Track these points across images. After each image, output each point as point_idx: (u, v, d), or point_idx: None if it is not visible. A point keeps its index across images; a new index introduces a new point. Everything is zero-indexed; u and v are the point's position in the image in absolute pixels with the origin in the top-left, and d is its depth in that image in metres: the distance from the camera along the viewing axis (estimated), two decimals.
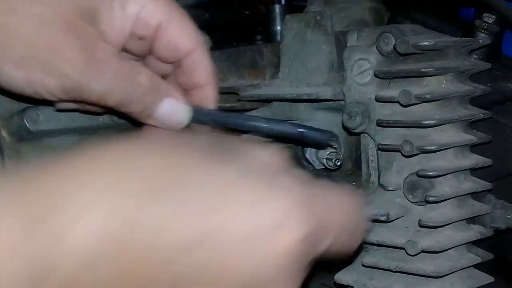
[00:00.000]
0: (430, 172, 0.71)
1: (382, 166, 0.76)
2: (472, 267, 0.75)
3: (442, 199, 0.72)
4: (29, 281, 0.40)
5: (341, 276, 0.78)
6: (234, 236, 0.43)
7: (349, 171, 0.85)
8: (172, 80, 0.74)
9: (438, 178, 0.72)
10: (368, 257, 0.76)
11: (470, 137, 0.75)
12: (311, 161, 0.85)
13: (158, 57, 0.72)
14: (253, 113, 0.87)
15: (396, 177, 0.75)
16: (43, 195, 0.42)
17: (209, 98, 0.73)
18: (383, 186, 0.76)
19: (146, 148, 0.47)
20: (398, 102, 0.72)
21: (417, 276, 0.72)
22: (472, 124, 0.77)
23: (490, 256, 0.77)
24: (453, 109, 0.74)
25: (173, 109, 0.68)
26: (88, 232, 0.41)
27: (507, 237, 0.86)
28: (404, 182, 0.74)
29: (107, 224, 0.42)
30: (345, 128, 0.79)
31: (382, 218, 0.73)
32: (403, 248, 0.71)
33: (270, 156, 0.49)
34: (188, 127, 0.70)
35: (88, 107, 0.71)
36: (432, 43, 0.72)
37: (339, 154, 0.82)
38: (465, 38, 0.78)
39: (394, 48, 0.73)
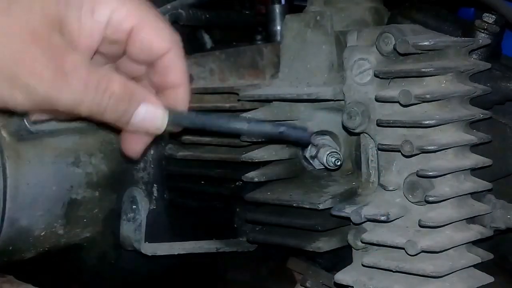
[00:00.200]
0: (430, 172, 0.71)
1: (382, 166, 0.76)
2: (472, 267, 0.75)
3: (442, 199, 0.72)
4: None
5: (341, 276, 0.78)
6: None
7: (349, 171, 0.85)
8: (146, 80, 0.74)
9: (438, 178, 0.72)
10: (368, 257, 0.76)
11: (470, 137, 0.75)
12: (311, 161, 0.85)
13: (132, 59, 0.71)
14: (253, 113, 0.87)
15: (396, 177, 0.75)
16: None
17: (181, 98, 0.73)
18: (383, 186, 0.76)
19: None
20: (398, 102, 0.72)
21: (417, 276, 0.72)
22: (472, 124, 0.77)
23: (490, 256, 0.77)
24: (453, 109, 0.74)
25: (150, 114, 0.67)
26: None
27: (507, 237, 0.86)
28: (404, 182, 0.74)
29: None
30: (345, 128, 0.79)
31: (382, 218, 0.73)
32: (403, 248, 0.71)
33: None
34: (168, 130, 0.70)
35: (63, 116, 0.70)
36: (432, 43, 0.72)
37: (339, 154, 0.82)
38: (465, 38, 0.78)
39: (394, 48, 0.73)
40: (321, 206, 0.79)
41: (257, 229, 0.92)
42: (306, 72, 0.85)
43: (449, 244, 0.72)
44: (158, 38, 0.69)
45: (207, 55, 1.00)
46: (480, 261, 0.75)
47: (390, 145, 0.74)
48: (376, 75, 0.75)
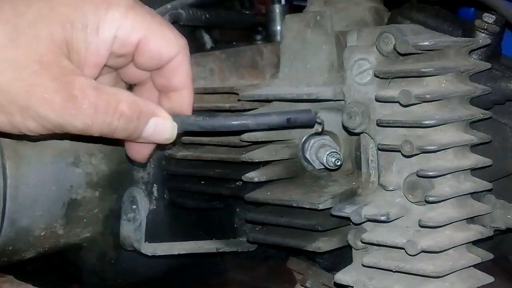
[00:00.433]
0: (430, 172, 0.71)
1: (382, 166, 0.76)
2: (472, 267, 0.75)
3: (442, 199, 0.72)
4: None
5: (341, 276, 0.78)
6: None
7: (349, 171, 0.85)
8: (147, 84, 0.75)
9: (438, 178, 0.72)
10: (368, 257, 0.76)
11: (470, 137, 0.75)
12: (311, 161, 0.85)
13: (140, 68, 0.72)
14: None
15: (396, 177, 0.75)
16: None
17: (186, 101, 0.73)
18: (383, 186, 0.76)
19: None
20: (398, 102, 0.72)
21: (417, 276, 0.72)
22: (472, 124, 0.77)
23: (490, 256, 0.77)
24: (453, 109, 0.74)
25: (159, 128, 0.69)
26: None
27: (507, 237, 0.86)
28: (404, 182, 0.74)
29: None
30: (345, 128, 0.79)
31: (382, 218, 0.73)
32: (403, 248, 0.71)
33: None
34: (177, 138, 0.71)
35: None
36: (432, 43, 0.72)
37: (339, 154, 0.82)
38: (465, 38, 0.78)
39: (394, 48, 0.73)
40: (321, 206, 0.79)
41: (257, 229, 0.92)
42: (306, 72, 0.85)
43: (449, 244, 0.72)
44: (166, 46, 0.69)
45: (207, 55, 1.00)
46: (480, 261, 0.75)
47: (390, 145, 0.74)
48: (376, 75, 0.75)
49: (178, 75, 0.72)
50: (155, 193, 1.00)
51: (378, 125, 0.75)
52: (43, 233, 0.88)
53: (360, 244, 0.77)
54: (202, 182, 0.98)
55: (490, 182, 0.77)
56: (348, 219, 0.77)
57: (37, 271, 1.10)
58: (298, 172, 0.87)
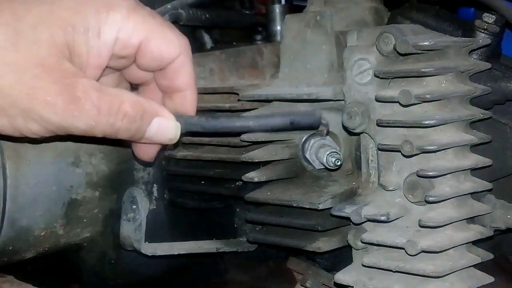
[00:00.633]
0: (430, 172, 0.71)
1: (382, 166, 0.76)
2: (472, 267, 0.75)
3: (442, 199, 0.72)
4: None
5: (341, 276, 0.78)
6: None
7: (349, 171, 0.85)
8: (150, 85, 0.75)
9: (438, 178, 0.72)
10: (368, 257, 0.76)
11: (470, 137, 0.75)
12: (311, 161, 0.85)
13: (142, 69, 0.72)
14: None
15: (396, 177, 0.75)
16: None
17: (189, 101, 0.73)
18: (383, 186, 0.76)
19: None
20: (398, 102, 0.72)
21: (417, 276, 0.72)
22: (472, 124, 0.77)
23: (490, 256, 0.77)
24: (453, 109, 0.74)
25: (163, 128, 0.69)
26: None
27: (507, 237, 0.86)
28: (404, 182, 0.74)
29: None
30: (345, 128, 0.79)
31: (382, 218, 0.73)
32: (403, 248, 0.71)
33: None
34: (180, 138, 0.71)
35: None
36: (432, 43, 0.72)
37: (339, 154, 0.82)
38: (465, 38, 0.78)
39: (394, 48, 0.73)
40: (321, 206, 0.79)
41: (257, 229, 0.92)
42: (306, 72, 0.85)
43: (449, 244, 0.72)
44: (167, 47, 0.69)
45: (207, 55, 1.00)
46: (480, 261, 0.75)
47: (390, 145, 0.74)
48: (376, 75, 0.75)
49: (181, 76, 0.72)
50: (155, 193, 1.00)
51: (378, 125, 0.75)
52: (43, 233, 0.88)
53: (360, 244, 0.77)
54: (202, 182, 0.98)
55: (490, 182, 0.77)
56: (348, 219, 0.77)
57: (37, 271, 1.10)
58: (298, 172, 0.87)
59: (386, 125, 0.74)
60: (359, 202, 0.78)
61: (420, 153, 0.72)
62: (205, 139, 0.95)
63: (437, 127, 0.72)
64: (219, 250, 0.97)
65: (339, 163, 0.82)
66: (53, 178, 0.88)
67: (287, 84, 0.87)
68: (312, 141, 0.85)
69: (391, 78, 0.74)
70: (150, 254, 0.97)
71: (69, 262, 1.03)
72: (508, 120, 0.82)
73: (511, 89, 0.80)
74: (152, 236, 0.98)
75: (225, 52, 0.97)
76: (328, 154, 0.82)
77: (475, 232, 0.76)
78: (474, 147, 0.76)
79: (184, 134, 0.71)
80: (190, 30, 1.16)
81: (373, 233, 0.75)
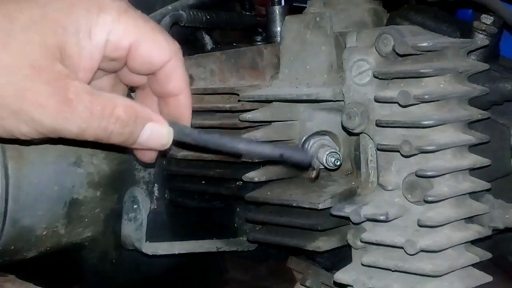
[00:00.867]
0: (429, 172, 0.71)
1: (381, 166, 0.77)
2: (470, 266, 0.76)
3: (441, 198, 0.72)
4: None
5: (341, 276, 0.78)
6: None
7: (348, 171, 0.85)
8: (147, 88, 0.75)
9: (437, 178, 0.73)
10: (367, 257, 0.76)
11: (468, 137, 0.75)
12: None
13: (133, 72, 0.72)
14: (252, 113, 0.87)
15: (395, 177, 0.75)
16: None
17: (183, 105, 0.73)
18: (382, 186, 0.76)
19: None
20: (397, 102, 0.72)
21: (416, 275, 0.73)
22: (470, 124, 0.77)
23: (489, 255, 0.77)
24: (452, 109, 0.74)
25: (155, 134, 0.68)
26: None
27: (505, 237, 0.86)
28: (403, 182, 0.74)
29: None
30: (344, 128, 0.80)
31: (381, 217, 0.73)
32: (402, 248, 0.72)
33: None
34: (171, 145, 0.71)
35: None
36: (430, 44, 0.72)
37: (339, 154, 0.82)
38: (464, 39, 0.78)
39: (393, 49, 0.73)
40: (320, 206, 0.79)
41: (257, 228, 0.92)
42: (305, 73, 0.86)
43: (448, 243, 0.72)
44: (157, 51, 0.69)
45: (208, 55, 1.00)
46: (479, 261, 0.76)
47: (389, 145, 0.74)
48: (375, 76, 0.75)
49: (173, 80, 0.72)
50: (156, 193, 1.00)
51: (377, 125, 0.75)
52: (44, 233, 0.89)
53: (359, 243, 0.77)
54: (203, 182, 0.98)
55: (489, 182, 0.77)
56: (347, 218, 0.77)
57: (38, 270, 1.10)
58: (298, 172, 0.87)
59: (385, 125, 0.74)
60: (359, 201, 0.79)
61: (419, 153, 0.72)
62: None
63: (435, 127, 0.73)
64: (220, 250, 0.98)
65: (338, 163, 0.82)
66: (55, 178, 0.88)
67: (287, 85, 0.87)
68: (312, 141, 0.85)
69: (390, 79, 0.75)
70: (151, 254, 0.97)
71: (70, 261, 1.03)
72: (506, 121, 0.82)
73: (509, 89, 0.81)
74: (153, 235, 0.99)
75: (225, 53, 0.97)
76: (327, 154, 0.82)
77: (473, 231, 0.76)
78: (473, 147, 0.77)
79: (174, 143, 0.71)
80: (191, 31, 1.17)
81: (372, 232, 0.76)
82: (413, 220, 0.73)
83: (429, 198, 0.71)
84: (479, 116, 0.77)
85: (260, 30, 1.25)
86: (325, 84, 0.84)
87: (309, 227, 0.83)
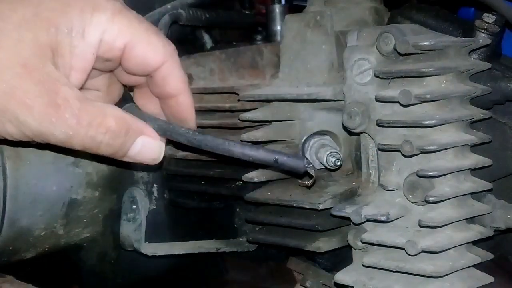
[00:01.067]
0: (430, 172, 0.71)
1: (382, 166, 0.76)
2: (472, 267, 0.75)
3: (442, 199, 0.72)
4: None
5: (341, 276, 0.78)
6: None
7: (349, 171, 0.85)
8: (146, 89, 0.74)
9: (438, 178, 0.72)
10: (368, 257, 0.76)
11: (470, 137, 0.75)
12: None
13: (130, 73, 0.71)
14: (252, 113, 0.87)
15: (396, 177, 0.75)
16: None
17: (183, 105, 0.73)
18: (383, 186, 0.76)
19: None
20: (398, 102, 0.72)
21: (417, 276, 0.72)
22: (472, 124, 0.77)
23: (490, 256, 0.77)
24: (453, 109, 0.74)
25: (147, 148, 0.68)
26: None
27: (507, 237, 0.86)
28: (404, 182, 0.74)
29: None
30: (345, 128, 0.79)
31: (382, 218, 0.73)
32: (403, 248, 0.71)
33: None
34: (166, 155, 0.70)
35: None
36: (432, 43, 0.72)
37: (339, 154, 0.82)
38: (465, 38, 0.78)
39: (394, 48, 0.73)
40: (321, 206, 0.79)
41: (257, 229, 0.92)
42: (306, 72, 0.85)
43: (449, 244, 0.72)
44: (151, 52, 0.68)
45: (207, 55, 1.00)
46: (480, 261, 0.75)
47: (390, 145, 0.74)
48: (376, 75, 0.75)
49: (171, 82, 0.71)
50: (155, 193, 1.00)
51: (378, 125, 0.75)
52: (43, 233, 0.88)
53: (360, 244, 0.77)
54: (202, 182, 0.98)
55: (490, 182, 0.77)
56: (348, 219, 0.77)
57: (37, 271, 1.10)
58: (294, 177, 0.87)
59: (386, 125, 0.74)
60: (359, 202, 0.78)
61: (420, 153, 0.72)
62: None
63: (437, 127, 0.72)
64: (219, 250, 0.97)
65: (339, 163, 0.82)
66: (53, 178, 0.88)
67: (287, 84, 0.87)
68: (312, 141, 0.85)
69: (391, 78, 0.74)
70: (150, 254, 0.97)
71: (69, 262, 1.03)
72: (508, 120, 0.82)
73: (511, 89, 0.80)
74: (152, 236, 0.98)
75: (225, 52, 0.97)
76: (328, 154, 0.82)
77: (475, 232, 0.76)
78: (474, 147, 0.76)
79: (169, 142, 0.70)
80: (190, 30, 1.16)
81: (373, 233, 0.75)
82: (414, 221, 0.73)
83: (430, 199, 0.71)
84: (481, 115, 0.76)
85: (260, 29, 1.25)
86: (326, 83, 0.83)
87: (310, 228, 0.82)
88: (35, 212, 0.87)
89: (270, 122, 0.87)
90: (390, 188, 0.75)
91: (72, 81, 0.65)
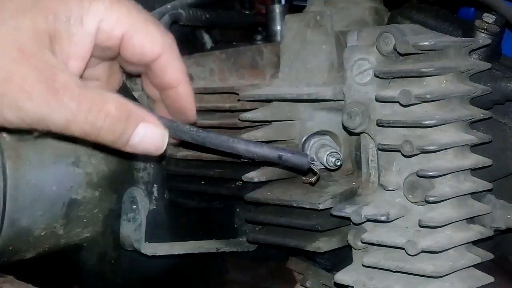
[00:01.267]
0: (430, 172, 0.71)
1: (382, 166, 0.76)
2: (472, 267, 0.75)
3: (442, 199, 0.72)
4: None
5: (341, 276, 0.78)
6: None
7: (349, 171, 0.85)
8: (146, 79, 0.74)
9: (438, 178, 0.72)
10: (368, 257, 0.76)
11: (470, 137, 0.75)
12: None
13: (127, 62, 0.71)
14: (252, 112, 0.87)
15: (396, 177, 0.75)
16: None
17: (183, 96, 0.72)
18: (383, 186, 0.76)
19: None
20: (398, 102, 0.72)
21: (417, 276, 0.72)
22: (472, 124, 0.77)
23: (490, 256, 0.77)
24: (453, 109, 0.74)
25: (149, 135, 0.66)
26: None
27: (507, 237, 0.86)
28: (404, 182, 0.74)
29: None
30: (345, 128, 0.79)
31: (382, 218, 0.73)
32: (403, 248, 0.71)
33: None
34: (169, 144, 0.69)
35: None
36: (432, 43, 0.72)
37: (339, 154, 0.82)
38: (465, 38, 0.78)
39: (394, 48, 0.73)
40: (321, 206, 0.79)
41: (257, 229, 0.92)
42: (306, 72, 0.85)
43: (449, 244, 0.72)
44: (149, 42, 0.68)
45: (207, 55, 1.00)
46: (480, 261, 0.75)
47: (390, 145, 0.74)
48: (376, 75, 0.75)
49: (169, 72, 0.71)
50: (155, 193, 1.00)
51: (378, 125, 0.75)
52: (43, 233, 0.88)
53: (360, 244, 0.77)
54: (202, 182, 0.98)
55: (490, 182, 0.77)
56: (348, 219, 0.77)
57: (37, 271, 1.10)
58: (297, 175, 0.87)
59: (386, 125, 0.74)
60: (359, 202, 0.78)
61: (420, 153, 0.72)
62: None
63: (437, 127, 0.72)
64: (219, 250, 0.97)
65: (339, 163, 0.82)
66: (53, 178, 0.88)
67: (287, 84, 0.87)
68: (312, 141, 0.85)
69: (391, 78, 0.74)
70: (150, 254, 0.97)
71: (69, 262, 1.03)
72: (508, 120, 0.82)
73: (511, 89, 0.80)
74: (152, 236, 0.98)
75: (225, 52, 0.97)
76: (328, 154, 0.82)
77: (475, 232, 0.76)
78: (474, 147, 0.76)
79: (173, 141, 0.70)
80: (190, 30, 1.16)
81: (373, 233, 0.75)
82: (414, 221, 0.73)
83: (430, 199, 0.71)
84: (481, 115, 0.76)
85: (260, 29, 1.25)
86: (326, 83, 0.83)
87: (310, 228, 0.82)
88: (35, 212, 0.87)
89: (270, 122, 0.87)
90: (390, 188, 0.75)
91: (71, 68, 0.65)
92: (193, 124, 0.76)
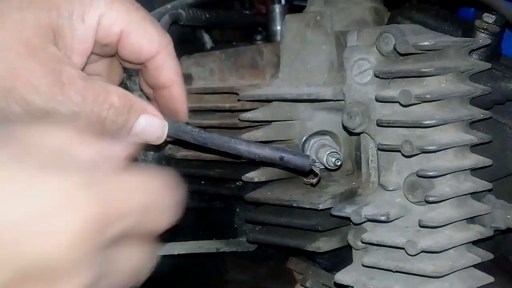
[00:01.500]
0: (430, 172, 0.71)
1: (382, 166, 0.76)
2: (472, 267, 0.75)
3: (442, 199, 0.72)
4: None
5: (341, 276, 0.78)
6: None
7: (349, 171, 0.85)
8: (142, 78, 0.75)
9: (438, 178, 0.72)
10: (368, 257, 0.76)
11: (470, 137, 0.75)
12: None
13: (125, 60, 0.72)
14: (252, 113, 0.87)
15: (396, 177, 0.75)
16: None
17: (176, 96, 0.73)
18: (383, 186, 0.76)
19: None
20: (398, 102, 0.72)
21: (417, 276, 0.72)
22: (472, 124, 0.77)
23: (490, 256, 0.77)
24: (453, 109, 0.74)
25: (150, 125, 0.68)
26: None
27: (507, 237, 0.86)
28: (404, 182, 0.74)
29: None
30: (345, 128, 0.79)
31: (382, 218, 0.73)
32: (403, 248, 0.71)
33: (59, 138, 0.45)
34: (168, 141, 0.70)
35: None
36: (432, 43, 0.72)
37: (339, 154, 0.82)
38: (465, 38, 0.78)
39: (394, 48, 0.73)
40: (321, 206, 0.79)
41: (257, 229, 0.92)
42: (306, 72, 0.85)
43: (449, 244, 0.72)
44: (146, 41, 0.69)
45: (207, 55, 1.00)
46: (480, 261, 0.75)
47: (390, 145, 0.74)
48: (376, 75, 0.75)
49: (164, 72, 0.72)
50: None
51: (378, 125, 0.75)
52: None
53: (360, 244, 0.77)
54: (202, 182, 0.98)
55: (490, 182, 0.77)
56: (348, 219, 0.77)
57: None
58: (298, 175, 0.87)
59: (386, 125, 0.74)
60: (359, 202, 0.78)
61: (420, 153, 0.72)
62: None
63: (437, 127, 0.72)
64: (219, 250, 0.97)
65: (339, 163, 0.82)
66: None
67: (287, 84, 0.87)
68: (312, 141, 0.85)
69: (391, 78, 0.74)
70: None
71: None
72: (508, 120, 0.82)
73: (511, 89, 0.80)
74: None
75: (225, 52, 0.97)
76: (328, 154, 0.82)
77: (475, 232, 0.76)
78: (474, 147, 0.76)
79: (174, 141, 0.70)
80: (190, 30, 1.16)
81: (373, 233, 0.75)
82: (414, 221, 0.73)
83: (430, 199, 0.71)
84: (481, 115, 0.76)
85: (260, 29, 1.25)
86: (326, 83, 0.83)
87: (310, 228, 0.82)
88: None
89: (270, 122, 0.87)
90: (390, 188, 0.75)
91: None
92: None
